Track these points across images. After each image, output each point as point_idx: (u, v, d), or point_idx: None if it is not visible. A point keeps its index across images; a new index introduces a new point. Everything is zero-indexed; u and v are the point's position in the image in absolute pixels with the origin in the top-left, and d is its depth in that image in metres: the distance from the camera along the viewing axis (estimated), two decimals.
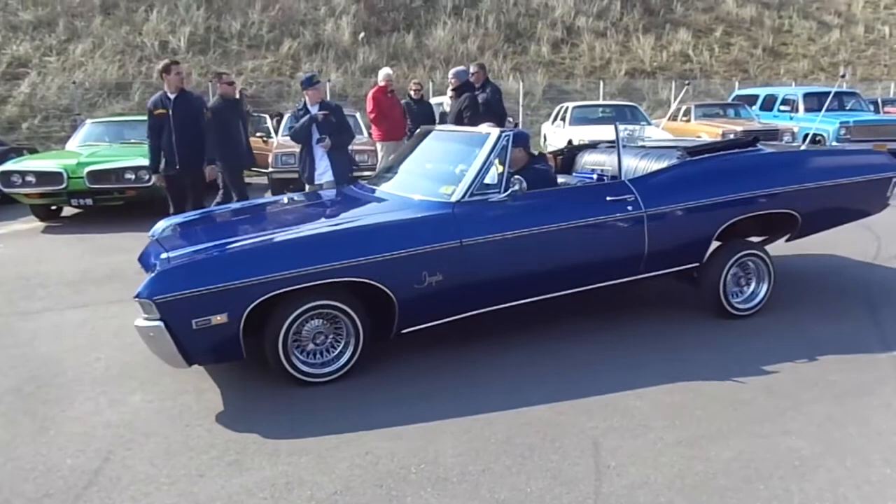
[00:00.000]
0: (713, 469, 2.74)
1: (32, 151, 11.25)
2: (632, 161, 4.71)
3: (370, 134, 9.77)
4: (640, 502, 2.54)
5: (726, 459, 2.80)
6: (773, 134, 11.79)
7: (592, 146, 5.60)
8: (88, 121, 10.80)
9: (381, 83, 8.34)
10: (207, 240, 3.77)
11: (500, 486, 2.66)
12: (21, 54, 17.29)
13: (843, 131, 11.72)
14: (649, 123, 12.18)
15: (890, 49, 23.09)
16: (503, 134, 3.97)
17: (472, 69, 7.80)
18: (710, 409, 3.24)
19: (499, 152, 3.90)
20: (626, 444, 2.94)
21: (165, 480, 2.75)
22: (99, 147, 9.20)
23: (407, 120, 8.52)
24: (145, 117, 6.57)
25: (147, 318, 3.29)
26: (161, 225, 4.45)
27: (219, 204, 6.26)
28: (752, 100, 14.70)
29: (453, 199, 3.81)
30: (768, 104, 14.22)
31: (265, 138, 11.29)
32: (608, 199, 4.08)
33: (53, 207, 8.75)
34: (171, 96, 6.26)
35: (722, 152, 4.66)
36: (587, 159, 5.33)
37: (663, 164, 4.48)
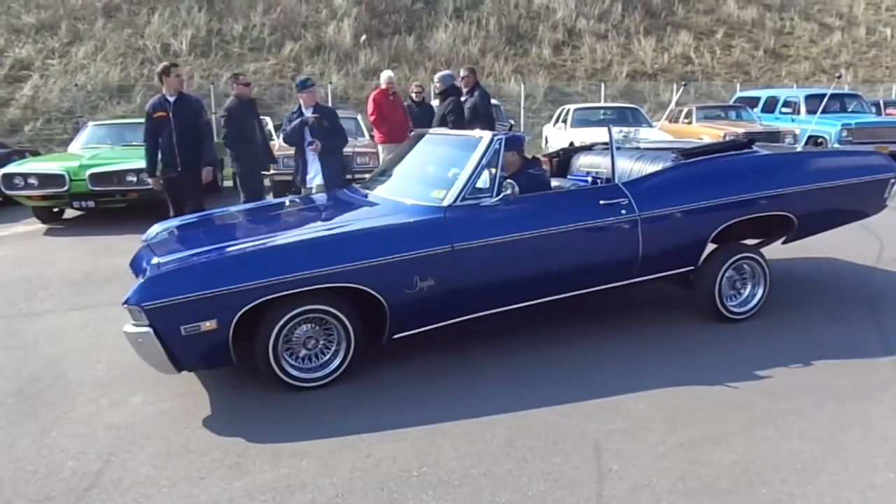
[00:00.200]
0: (715, 472, 2.73)
1: (35, 154, 11.27)
2: (626, 163, 4.68)
3: (372, 136, 9.78)
4: None
5: (728, 463, 2.80)
6: (774, 136, 11.78)
7: (588, 148, 5.57)
8: (90, 123, 10.81)
9: (383, 86, 8.34)
10: (198, 245, 3.75)
11: (501, 489, 2.65)
12: (23, 57, 17.33)
13: (844, 133, 11.71)
14: (651, 125, 12.18)
15: (891, 51, 23.08)
16: (496, 138, 3.94)
17: (462, 73, 7.79)
18: (712, 412, 3.23)
19: (491, 156, 3.87)
20: (627, 447, 2.93)
21: (166, 483, 2.75)
22: (101, 149, 9.22)
23: (409, 122, 8.52)
24: (145, 121, 6.56)
25: (136, 325, 3.27)
26: (155, 229, 4.44)
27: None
28: (753, 102, 14.70)
29: (445, 203, 3.78)
30: (770, 106, 14.22)
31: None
32: (601, 202, 4.06)
33: (55, 210, 8.77)
34: (171, 99, 6.27)
35: (717, 154, 4.62)
36: (582, 162, 5.31)
37: (658, 167, 4.46)
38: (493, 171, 3.85)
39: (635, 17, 22.21)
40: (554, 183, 4.74)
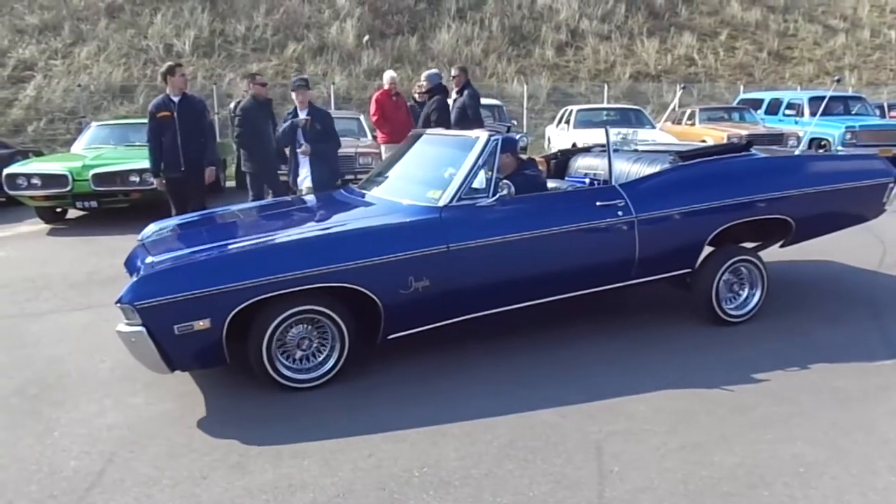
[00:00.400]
0: (717, 475, 2.73)
1: (38, 154, 11.29)
2: (624, 165, 4.68)
3: (375, 137, 9.78)
4: None
5: (730, 465, 2.79)
6: (777, 138, 11.77)
7: (586, 150, 5.56)
8: (93, 123, 10.84)
9: (386, 86, 8.35)
10: (193, 244, 3.75)
11: (502, 490, 2.65)
12: (27, 57, 17.36)
13: (848, 136, 11.68)
14: (653, 127, 12.17)
15: None
16: (492, 139, 3.94)
17: (453, 72, 7.79)
18: (714, 414, 3.23)
19: (487, 157, 3.87)
20: (629, 449, 2.93)
21: (168, 482, 2.76)
22: (104, 150, 9.24)
23: (412, 122, 8.52)
24: (148, 121, 6.57)
25: (129, 324, 3.26)
26: (151, 228, 4.44)
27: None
28: (756, 104, 14.69)
29: (441, 203, 3.78)
30: (773, 108, 14.21)
31: None
32: (598, 203, 4.05)
33: (58, 210, 8.78)
34: (175, 99, 6.28)
35: (715, 157, 4.61)
36: (580, 163, 5.30)
37: (655, 169, 4.45)
38: (489, 171, 3.84)
39: (639, 18, 22.19)
40: (551, 184, 4.73)
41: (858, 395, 3.41)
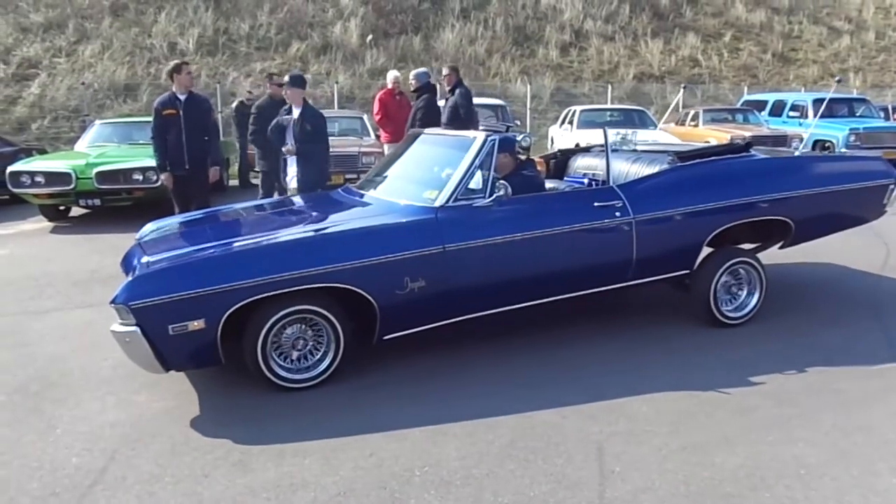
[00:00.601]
0: (718, 476, 2.73)
1: (42, 152, 11.33)
2: (623, 166, 4.66)
3: (378, 136, 9.80)
4: None
5: (732, 466, 2.79)
6: (781, 140, 11.75)
7: (586, 150, 5.54)
8: (97, 122, 10.86)
9: (389, 85, 8.37)
10: (189, 244, 3.74)
11: (503, 489, 2.65)
12: (31, 55, 17.40)
13: (852, 138, 11.67)
14: (657, 128, 12.16)
15: None
16: (489, 139, 3.92)
17: (444, 71, 7.80)
18: (715, 416, 3.23)
19: (484, 157, 3.85)
20: (630, 450, 2.93)
21: (170, 480, 2.77)
22: (107, 148, 9.26)
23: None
24: (151, 119, 6.58)
25: (123, 324, 3.26)
26: (148, 227, 4.44)
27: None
28: (761, 105, 14.67)
29: (437, 203, 3.77)
30: (777, 110, 14.19)
31: None
32: (595, 204, 4.04)
33: (62, 208, 8.80)
34: (181, 97, 6.28)
35: (713, 158, 4.59)
36: (579, 163, 5.28)
37: (654, 170, 4.43)
38: (486, 172, 3.82)
39: (643, 18, 22.16)
40: (550, 185, 4.72)
41: (860, 397, 3.41)
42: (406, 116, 8.41)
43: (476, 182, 3.80)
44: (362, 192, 4.43)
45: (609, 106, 16.37)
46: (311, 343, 3.57)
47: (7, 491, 2.70)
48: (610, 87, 19.44)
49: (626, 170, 4.63)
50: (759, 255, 4.68)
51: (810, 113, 13.05)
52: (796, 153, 5.74)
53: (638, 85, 20.27)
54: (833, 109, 13.33)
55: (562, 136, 13.32)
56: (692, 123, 13.61)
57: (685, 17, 22.73)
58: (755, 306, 4.47)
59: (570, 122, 13.43)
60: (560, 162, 5.46)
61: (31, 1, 18.57)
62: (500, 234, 3.78)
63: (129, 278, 3.39)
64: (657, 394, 3.45)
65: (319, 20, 19.89)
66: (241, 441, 3.06)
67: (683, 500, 2.58)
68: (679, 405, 3.34)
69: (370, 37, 19.54)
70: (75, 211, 9.00)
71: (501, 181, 3.84)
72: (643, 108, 14.38)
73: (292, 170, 6.33)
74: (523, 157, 4.51)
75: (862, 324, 4.50)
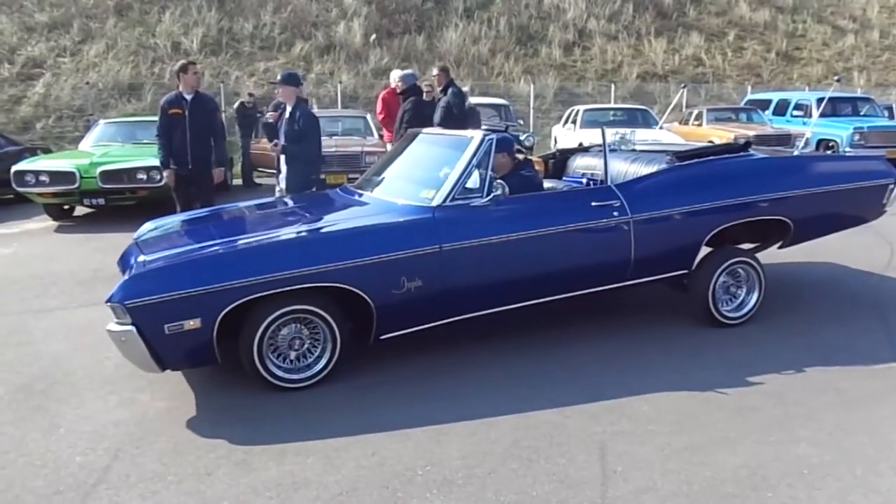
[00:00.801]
0: (720, 476, 2.73)
1: (46, 151, 11.37)
2: (621, 165, 4.65)
3: (381, 135, 9.80)
4: None
5: (734, 466, 2.79)
6: (785, 139, 11.73)
7: (585, 150, 5.53)
8: (101, 121, 10.90)
9: (393, 85, 8.36)
10: (185, 243, 3.73)
11: (505, 489, 2.66)
12: (36, 55, 17.45)
13: (856, 137, 11.63)
14: (660, 127, 12.15)
15: None
16: (486, 138, 3.90)
17: (433, 72, 7.79)
18: (717, 415, 3.22)
19: (482, 157, 3.84)
20: (632, 449, 2.93)
21: (173, 479, 2.77)
22: (111, 147, 9.29)
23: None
24: (157, 117, 6.59)
25: (119, 323, 3.25)
26: (147, 227, 4.44)
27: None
28: (764, 104, 14.64)
29: (434, 203, 3.75)
30: (781, 109, 14.16)
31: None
32: (593, 204, 4.02)
33: (66, 207, 8.83)
34: (188, 97, 6.29)
35: (712, 157, 4.57)
36: (578, 163, 5.27)
37: (652, 169, 4.42)
38: (484, 171, 3.81)
39: (646, 18, 22.13)
40: (548, 184, 4.70)
41: (863, 397, 3.40)
42: None
43: (473, 181, 3.78)
44: (360, 191, 4.43)
45: (612, 105, 16.35)
46: (307, 343, 3.57)
47: (11, 489, 2.72)
48: (613, 86, 19.42)
49: (625, 169, 4.62)
50: (761, 256, 4.67)
51: (814, 112, 13.01)
52: (795, 152, 5.72)
53: (641, 84, 20.24)
54: (837, 108, 13.31)
55: (565, 136, 13.31)
56: (696, 123, 13.58)
57: (689, 16, 22.69)
58: (754, 306, 4.45)
59: (574, 122, 13.42)
60: (559, 162, 5.45)
61: (35, 1, 18.63)
62: (497, 233, 3.77)
63: (125, 277, 3.38)
64: (658, 394, 3.45)
65: (323, 20, 19.91)
66: (244, 440, 3.07)
67: (685, 499, 2.58)
68: (680, 405, 3.34)
69: (373, 36, 19.55)
70: (79, 210, 9.02)
71: (499, 181, 3.83)
72: (647, 108, 14.36)
73: (284, 169, 6.28)
74: (521, 157, 4.50)
75: (864, 323, 4.49)
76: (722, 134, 11.90)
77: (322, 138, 6.28)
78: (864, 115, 13.19)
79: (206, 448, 3.01)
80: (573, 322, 4.48)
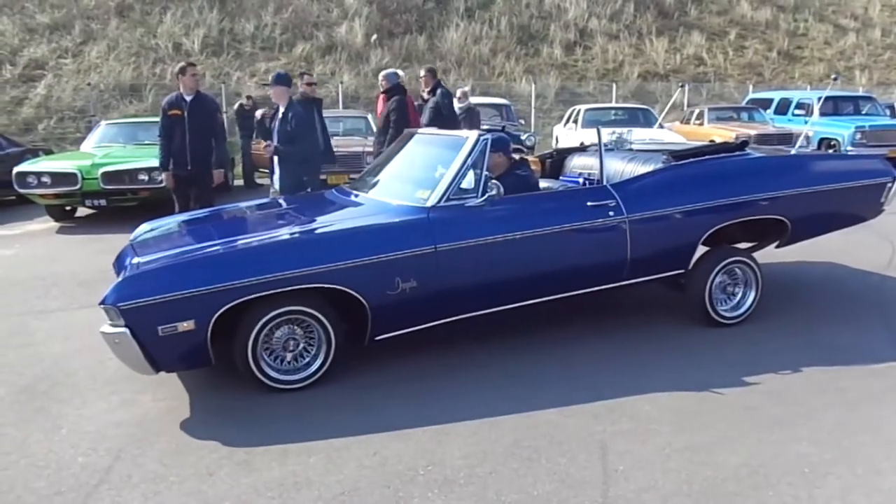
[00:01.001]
0: (721, 475, 2.73)
1: (48, 152, 11.39)
2: (618, 165, 4.63)
3: None
4: None
5: (735, 465, 2.79)
6: (786, 138, 11.71)
7: (582, 149, 5.51)
8: (103, 122, 10.91)
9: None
10: (180, 245, 3.73)
11: (507, 488, 2.66)
12: (37, 56, 17.48)
13: (858, 136, 11.62)
14: (659, 126, 12.14)
15: None
16: (481, 138, 3.89)
17: (420, 73, 7.79)
18: (718, 415, 3.22)
19: (477, 157, 3.82)
20: (633, 449, 2.93)
21: (175, 479, 2.78)
22: (113, 148, 9.31)
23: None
24: (159, 118, 6.61)
25: (112, 325, 3.25)
26: (143, 228, 4.44)
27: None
28: (766, 103, 14.63)
29: (429, 203, 3.74)
30: (783, 108, 14.14)
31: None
32: (589, 203, 4.01)
33: (68, 208, 8.85)
34: (187, 98, 6.30)
35: (708, 156, 4.56)
36: (575, 163, 5.25)
37: (648, 169, 4.41)
38: (479, 171, 3.79)
39: (647, 17, 22.12)
40: (544, 184, 4.69)
41: (864, 396, 3.40)
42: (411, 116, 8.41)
43: (468, 182, 3.77)
44: (354, 191, 4.42)
45: (614, 105, 16.35)
46: (302, 344, 3.56)
47: (14, 490, 2.72)
48: (615, 85, 19.41)
49: (621, 169, 4.60)
50: (761, 255, 4.66)
51: (816, 111, 13.01)
52: (792, 151, 5.70)
53: (643, 83, 20.23)
54: (839, 107, 13.29)
55: (566, 135, 13.31)
56: (697, 122, 13.57)
57: (690, 15, 22.67)
58: (751, 306, 4.44)
59: (575, 122, 13.41)
60: (556, 161, 5.43)
61: (37, 2, 18.67)
62: (492, 233, 3.76)
63: (119, 279, 3.38)
64: (659, 393, 3.45)
65: (324, 20, 19.92)
66: (245, 440, 3.07)
67: (686, 499, 2.58)
68: (682, 404, 3.34)
69: (375, 36, 19.56)
70: (81, 211, 9.04)
71: (494, 181, 3.82)
72: (648, 107, 14.35)
73: (277, 169, 6.26)
74: (517, 157, 4.49)
75: (865, 322, 4.48)
76: (723, 133, 11.88)
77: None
78: (866, 114, 13.17)
79: (207, 448, 3.02)
80: (570, 322, 4.48)
